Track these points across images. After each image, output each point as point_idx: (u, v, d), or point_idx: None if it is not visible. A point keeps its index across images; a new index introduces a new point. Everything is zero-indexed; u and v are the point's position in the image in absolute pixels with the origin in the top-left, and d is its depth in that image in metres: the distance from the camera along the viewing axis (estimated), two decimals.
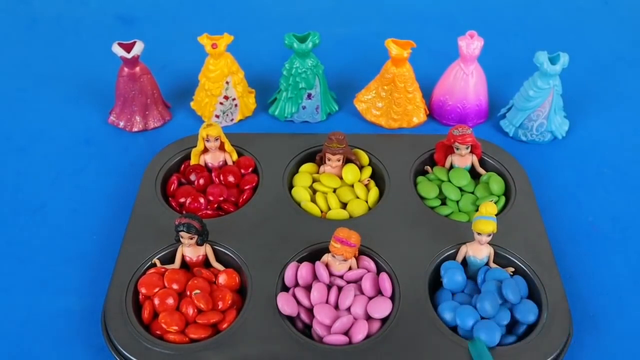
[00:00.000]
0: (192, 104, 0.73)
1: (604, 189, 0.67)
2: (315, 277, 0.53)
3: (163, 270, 0.54)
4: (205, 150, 0.64)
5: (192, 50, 0.73)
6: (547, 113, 0.69)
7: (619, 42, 0.90)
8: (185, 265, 0.55)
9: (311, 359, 0.48)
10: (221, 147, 0.64)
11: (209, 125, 0.62)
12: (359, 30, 0.92)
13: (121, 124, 0.73)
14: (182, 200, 0.61)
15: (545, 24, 0.94)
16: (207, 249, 0.55)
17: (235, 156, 0.65)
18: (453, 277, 0.53)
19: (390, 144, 0.67)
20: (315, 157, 0.65)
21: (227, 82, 0.71)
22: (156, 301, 0.51)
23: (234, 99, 0.72)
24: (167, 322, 0.50)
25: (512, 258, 0.55)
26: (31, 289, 0.56)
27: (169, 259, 0.55)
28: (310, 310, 0.51)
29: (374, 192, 0.62)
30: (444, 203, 0.62)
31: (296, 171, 0.65)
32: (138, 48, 0.68)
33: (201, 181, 0.62)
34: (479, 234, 0.53)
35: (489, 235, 0.53)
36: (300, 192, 0.62)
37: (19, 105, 0.77)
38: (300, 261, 0.55)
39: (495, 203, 0.59)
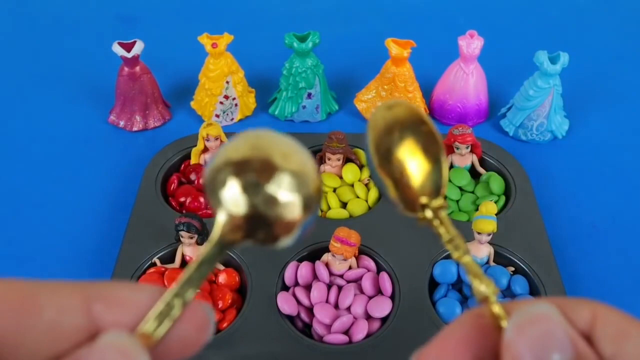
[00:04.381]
0: (192, 103, 0.73)
1: (604, 188, 0.67)
2: (315, 276, 0.53)
3: (163, 269, 0.54)
4: (206, 150, 0.64)
5: (192, 49, 0.73)
6: (547, 112, 0.69)
7: (619, 42, 0.90)
8: (185, 264, 0.55)
9: (311, 358, 0.48)
10: None
11: (209, 125, 0.62)
12: (359, 29, 0.91)
13: (121, 123, 0.73)
14: (182, 199, 0.61)
15: (546, 24, 0.94)
16: None
17: None
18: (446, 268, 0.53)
19: None
20: (315, 156, 0.65)
21: (227, 82, 0.71)
22: None
23: (234, 99, 0.72)
24: None
25: (512, 257, 0.55)
26: None
27: (169, 258, 0.55)
28: (310, 310, 0.51)
29: (374, 191, 0.62)
30: None
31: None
32: (138, 47, 0.68)
33: (201, 180, 0.62)
34: (479, 233, 0.53)
35: (489, 234, 0.53)
36: None
37: (18, 105, 0.77)
38: (300, 260, 0.55)
39: (495, 202, 0.59)
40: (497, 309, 0.20)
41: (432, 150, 0.22)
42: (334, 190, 0.62)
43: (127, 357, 0.17)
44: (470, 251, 0.21)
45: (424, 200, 0.22)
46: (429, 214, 0.22)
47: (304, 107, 0.73)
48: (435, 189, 0.22)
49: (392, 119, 0.22)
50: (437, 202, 0.22)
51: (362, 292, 0.52)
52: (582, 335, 0.20)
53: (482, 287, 0.20)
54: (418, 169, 0.22)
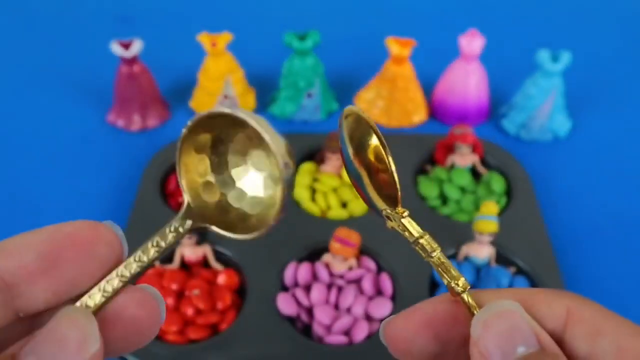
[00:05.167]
0: (191, 102, 0.73)
1: (606, 188, 0.66)
2: (315, 277, 0.53)
3: (162, 270, 0.54)
4: None
5: (191, 48, 0.72)
6: (549, 112, 0.69)
7: (621, 41, 0.90)
8: (184, 265, 0.55)
9: (311, 359, 0.48)
10: None
11: None
12: (359, 29, 0.91)
13: (120, 123, 0.72)
14: (181, 199, 0.60)
15: (547, 22, 0.93)
16: (206, 249, 0.55)
17: None
18: None
19: (390, 144, 0.66)
20: (315, 156, 0.65)
21: (227, 81, 0.70)
22: None
23: (233, 98, 0.72)
24: (165, 323, 0.49)
25: (513, 258, 0.55)
26: None
27: (168, 258, 0.55)
28: (310, 311, 0.51)
29: None
30: (444, 203, 0.62)
31: (296, 170, 0.64)
32: (137, 47, 0.68)
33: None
34: (480, 233, 0.53)
35: (490, 235, 0.52)
36: (300, 192, 0.61)
37: (16, 105, 0.77)
38: (300, 261, 0.54)
39: (497, 203, 0.59)
40: (468, 299, 0.21)
41: (382, 160, 0.23)
42: (334, 190, 0.62)
43: (79, 328, 0.18)
44: (438, 248, 0.22)
45: (386, 211, 0.23)
46: (392, 223, 0.22)
47: (303, 106, 0.73)
48: (393, 197, 0.23)
49: (348, 131, 0.23)
50: (397, 210, 0.23)
51: (362, 292, 0.52)
52: (555, 332, 0.20)
53: (452, 283, 0.21)
54: (374, 181, 0.23)
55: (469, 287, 0.21)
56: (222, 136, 0.21)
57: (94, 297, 0.19)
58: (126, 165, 0.68)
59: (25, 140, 0.72)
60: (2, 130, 0.73)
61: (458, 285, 0.21)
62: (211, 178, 0.22)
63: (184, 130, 0.21)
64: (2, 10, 0.95)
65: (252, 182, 0.21)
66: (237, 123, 0.20)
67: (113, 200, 0.64)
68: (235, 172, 0.22)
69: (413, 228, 0.22)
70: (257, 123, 0.19)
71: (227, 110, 0.20)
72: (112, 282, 0.20)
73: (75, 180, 0.67)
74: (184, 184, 0.21)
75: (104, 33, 0.87)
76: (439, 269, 0.21)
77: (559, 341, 0.20)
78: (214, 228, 0.21)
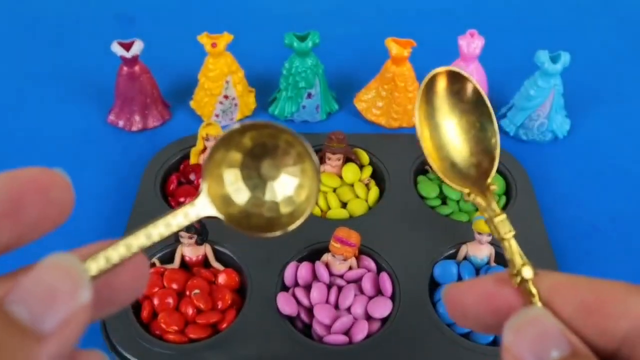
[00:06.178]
0: (191, 103, 0.73)
1: (605, 188, 0.66)
2: (315, 276, 0.53)
3: (162, 270, 0.54)
4: (205, 150, 0.64)
5: (191, 49, 0.72)
6: (548, 112, 0.69)
7: (620, 41, 0.90)
8: (184, 265, 0.55)
9: (311, 358, 0.48)
10: None
11: (208, 125, 0.62)
12: (359, 29, 0.91)
13: (120, 123, 0.72)
14: (181, 199, 0.61)
15: (546, 23, 0.93)
16: (206, 249, 0.55)
17: None
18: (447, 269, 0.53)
19: (390, 144, 0.67)
20: None
21: (227, 82, 0.70)
22: (155, 301, 0.51)
23: (233, 99, 0.72)
24: (166, 322, 0.49)
25: None
26: None
27: (169, 258, 0.55)
28: (310, 310, 0.51)
29: (374, 191, 0.62)
30: (444, 203, 0.62)
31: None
32: (137, 47, 0.68)
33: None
34: (479, 233, 0.53)
35: (490, 235, 0.53)
36: None
37: (17, 105, 0.77)
38: (300, 261, 0.54)
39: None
40: (529, 287, 0.21)
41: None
42: (334, 190, 0.62)
43: (70, 276, 0.17)
44: (512, 232, 0.23)
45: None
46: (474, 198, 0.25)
47: (304, 107, 0.73)
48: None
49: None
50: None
51: (362, 292, 0.52)
52: (633, 332, 0.20)
53: (513, 270, 0.22)
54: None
55: (532, 276, 0.21)
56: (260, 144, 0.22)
57: (99, 261, 0.19)
58: (127, 166, 0.68)
59: (26, 140, 0.72)
60: (3, 130, 0.73)
61: (520, 273, 0.21)
62: (240, 180, 0.22)
63: (236, 126, 0.21)
64: (4, 10, 0.96)
65: (281, 188, 0.22)
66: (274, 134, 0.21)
67: (113, 200, 0.64)
68: (267, 179, 0.22)
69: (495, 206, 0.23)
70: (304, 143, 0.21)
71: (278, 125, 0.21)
72: (118, 249, 0.19)
73: (76, 180, 0.66)
74: (207, 174, 0.22)
75: (104, 33, 0.87)
76: (507, 252, 0.22)
77: (635, 343, 0.19)
78: (223, 219, 0.21)
